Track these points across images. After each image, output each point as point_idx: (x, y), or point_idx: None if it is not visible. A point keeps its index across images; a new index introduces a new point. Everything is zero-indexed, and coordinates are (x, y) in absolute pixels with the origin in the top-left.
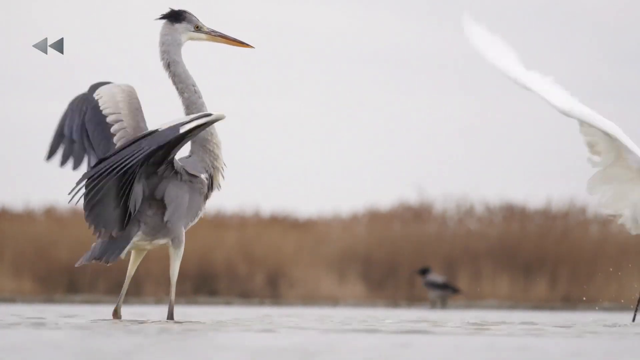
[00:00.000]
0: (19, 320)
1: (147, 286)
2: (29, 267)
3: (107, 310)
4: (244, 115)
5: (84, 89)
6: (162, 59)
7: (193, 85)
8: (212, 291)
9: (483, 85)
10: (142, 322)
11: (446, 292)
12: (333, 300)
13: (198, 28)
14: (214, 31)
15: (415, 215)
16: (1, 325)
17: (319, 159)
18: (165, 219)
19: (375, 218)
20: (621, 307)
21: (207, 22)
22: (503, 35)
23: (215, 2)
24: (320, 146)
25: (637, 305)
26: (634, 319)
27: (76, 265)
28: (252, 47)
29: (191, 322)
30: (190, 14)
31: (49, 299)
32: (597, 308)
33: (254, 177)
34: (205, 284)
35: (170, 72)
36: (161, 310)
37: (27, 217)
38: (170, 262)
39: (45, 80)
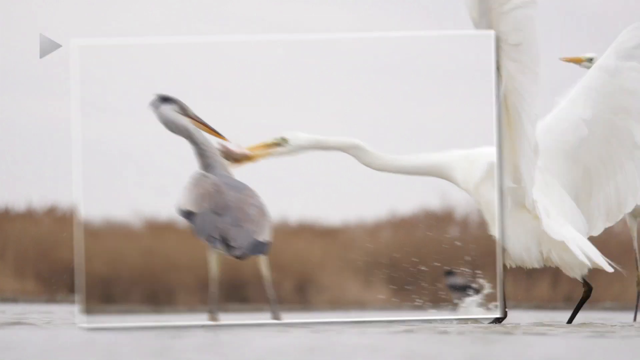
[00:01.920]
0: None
1: (181, 295)
2: (31, 267)
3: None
4: (264, 122)
5: (85, 88)
6: (170, 129)
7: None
8: (243, 298)
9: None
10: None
11: (467, 294)
12: (360, 305)
13: (184, 110)
14: (197, 117)
15: (438, 220)
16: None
17: (341, 166)
18: None
19: (398, 224)
20: (622, 307)
21: (208, 22)
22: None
23: (216, 2)
24: (344, 157)
25: (637, 304)
26: (635, 319)
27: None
28: (226, 139)
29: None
30: (178, 100)
31: (51, 299)
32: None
33: (278, 185)
34: (235, 291)
35: (183, 132)
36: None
37: (29, 217)
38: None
39: (46, 79)
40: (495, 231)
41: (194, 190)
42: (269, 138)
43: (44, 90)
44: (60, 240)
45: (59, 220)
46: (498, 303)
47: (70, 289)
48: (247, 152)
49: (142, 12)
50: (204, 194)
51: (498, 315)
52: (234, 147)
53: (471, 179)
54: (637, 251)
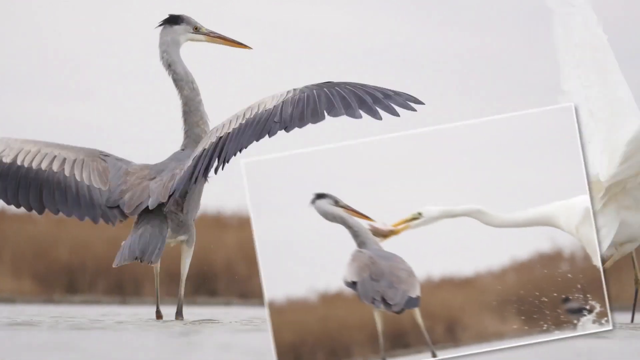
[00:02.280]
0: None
1: (147, 286)
2: (28, 267)
3: (106, 310)
4: (399, 203)
5: (85, 89)
6: (162, 59)
7: (192, 83)
8: (405, 345)
9: None
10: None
11: (583, 314)
12: (498, 336)
13: (197, 29)
14: (212, 32)
15: (551, 259)
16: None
17: (467, 227)
18: (184, 213)
19: (519, 268)
20: (619, 307)
21: (208, 22)
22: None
23: (217, 2)
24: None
25: (635, 304)
26: (632, 319)
27: (114, 266)
28: (250, 47)
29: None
30: (188, 16)
31: (49, 300)
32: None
33: (419, 249)
34: (204, 283)
35: (170, 71)
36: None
37: (26, 217)
38: (183, 258)
39: (45, 81)
40: (597, 262)
41: (353, 264)
42: (407, 214)
43: (44, 92)
44: (57, 241)
45: (57, 220)
46: (608, 318)
47: (67, 289)
48: (391, 227)
49: (144, 12)
50: (362, 266)
51: (609, 328)
52: (381, 225)
53: (572, 222)
54: (633, 251)
